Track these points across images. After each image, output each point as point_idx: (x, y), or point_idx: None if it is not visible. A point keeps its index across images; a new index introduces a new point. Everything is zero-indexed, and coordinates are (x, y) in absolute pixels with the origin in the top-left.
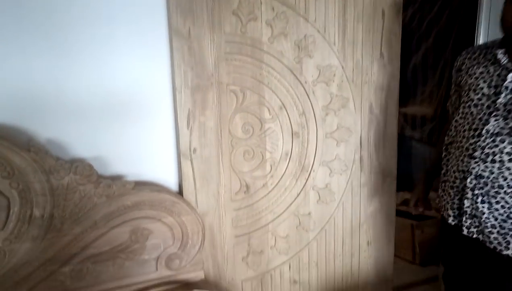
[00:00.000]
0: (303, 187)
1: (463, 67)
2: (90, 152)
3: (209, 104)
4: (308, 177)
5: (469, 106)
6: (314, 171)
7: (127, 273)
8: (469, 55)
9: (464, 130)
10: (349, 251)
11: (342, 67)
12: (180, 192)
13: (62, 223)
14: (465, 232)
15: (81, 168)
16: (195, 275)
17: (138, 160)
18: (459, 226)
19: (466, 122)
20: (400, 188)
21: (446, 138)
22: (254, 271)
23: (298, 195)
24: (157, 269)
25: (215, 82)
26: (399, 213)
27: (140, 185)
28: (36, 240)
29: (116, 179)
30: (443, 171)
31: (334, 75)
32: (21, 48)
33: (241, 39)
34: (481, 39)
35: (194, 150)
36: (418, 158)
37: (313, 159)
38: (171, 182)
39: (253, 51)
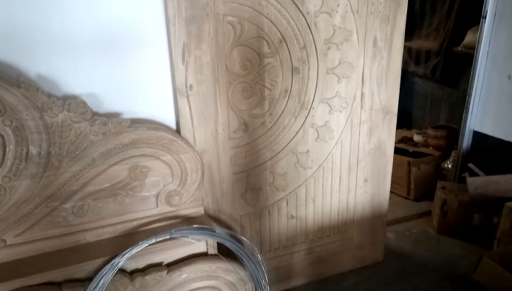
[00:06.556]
0: (302, 124)
1: None
2: (84, 89)
3: (204, 37)
4: (308, 114)
5: None
6: (313, 108)
7: (128, 209)
8: None
9: None
10: (345, 188)
11: None
12: (178, 130)
13: (60, 161)
14: None
15: (75, 105)
16: (195, 210)
17: (133, 97)
18: None
19: None
20: (399, 125)
21: None
22: (252, 207)
23: (296, 133)
24: (157, 205)
25: (211, 12)
26: (396, 150)
27: (137, 122)
28: (35, 177)
29: (112, 116)
30: None
31: (338, 5)
32: None
33: None
34: None
35: (191, 86)
36: (420, 95)
37: (313, 96)
38: (169, 120)
39: None
